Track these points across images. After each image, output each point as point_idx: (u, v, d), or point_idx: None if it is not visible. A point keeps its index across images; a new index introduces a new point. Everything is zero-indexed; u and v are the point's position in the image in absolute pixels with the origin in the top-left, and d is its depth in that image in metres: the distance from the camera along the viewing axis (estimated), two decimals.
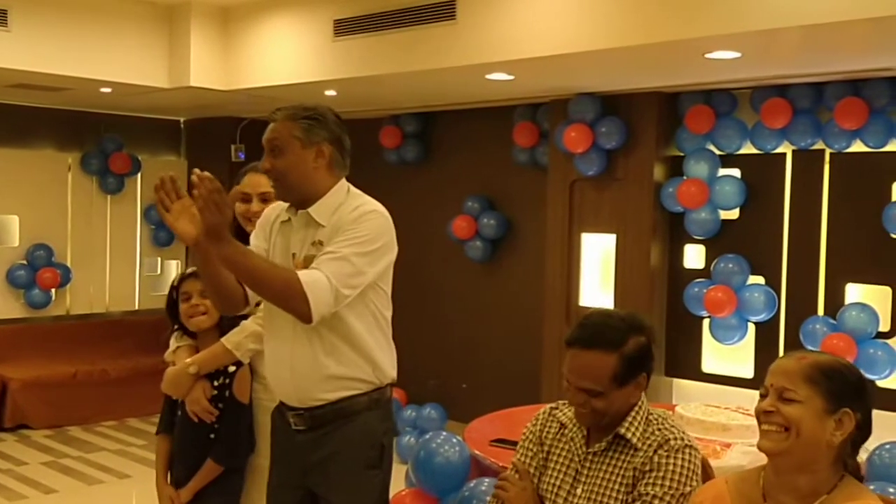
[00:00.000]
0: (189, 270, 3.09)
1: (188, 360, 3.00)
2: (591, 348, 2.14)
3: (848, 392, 1.86)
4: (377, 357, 2.60)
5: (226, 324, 3.00)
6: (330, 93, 6.27)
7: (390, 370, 2.67)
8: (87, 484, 5.82)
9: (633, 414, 2.19)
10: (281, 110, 2.60)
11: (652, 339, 2.22)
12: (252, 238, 2.75)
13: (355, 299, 2.52)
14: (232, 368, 2.99)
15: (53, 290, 7.69)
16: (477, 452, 3.43)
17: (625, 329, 2.17)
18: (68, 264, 7.78)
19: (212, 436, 3.00)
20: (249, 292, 2.60)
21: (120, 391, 7.30)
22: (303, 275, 2.40)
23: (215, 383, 3.00)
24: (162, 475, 3.13)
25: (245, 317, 2.93)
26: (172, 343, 3.12)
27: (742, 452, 3.21)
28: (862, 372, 1.94)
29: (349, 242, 2.48)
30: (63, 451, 6.51)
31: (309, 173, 2.56)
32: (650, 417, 2.20)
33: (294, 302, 2.40)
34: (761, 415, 1.90)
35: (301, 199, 2.60)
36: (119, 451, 6.52)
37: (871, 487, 2.41)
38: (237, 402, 3.00)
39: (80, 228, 7.88)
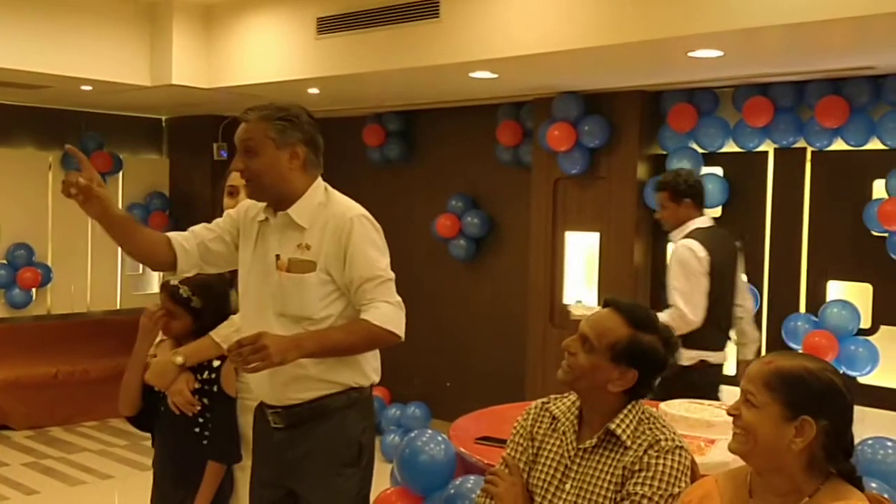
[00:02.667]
0: (165, 280, 3.07)
1: (175, 350, 2.99)
2: (619, 313, 2.21)
3: (808, 400, 1.81)
4: (358, 360, 2.62)
5: (210, 322, 2.99)
6: (313, 91, 6.25)
7: (371, 374, 2.69)
8: (69, 485, 5.79)
9: (625, 411, 2.20)
10: (254, 110, 2.60)
11: (666, 359, 2.20)
12: (223, 217, 2.77)
13: (338, 302, 2.56)
14: (216, 363, 2.99)
15: (34, 290, 7.63)
16: (462, 450, 3.42)
17: (653, 328, 2.21)
18: (49, 264, 7.72)
19: (196, 430, 2.99)
20: (179, 257, 2.65)
21: (101, 391, 7.21)
22: (372, 317, 2.52)
23: (199, 377, 2.99)
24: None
25: (234, 311, 2.93)
26: (156, 340, 3.12)
27: (726, 449, 3.21)
28: (835, 378, 1.85)
29: (376, 260, 2.59)
30: (44, 451, 6.46)
31: (284, 174, 2.57)
32: (642, 416, 2.21)
33: (382, 341, 2.58)
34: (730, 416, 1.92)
35: (276, 199, 2.61)
36: (101, 452, 6.48)
37: None
38: (226, 395, 2.99)
39: (61, 227, 7.80)
